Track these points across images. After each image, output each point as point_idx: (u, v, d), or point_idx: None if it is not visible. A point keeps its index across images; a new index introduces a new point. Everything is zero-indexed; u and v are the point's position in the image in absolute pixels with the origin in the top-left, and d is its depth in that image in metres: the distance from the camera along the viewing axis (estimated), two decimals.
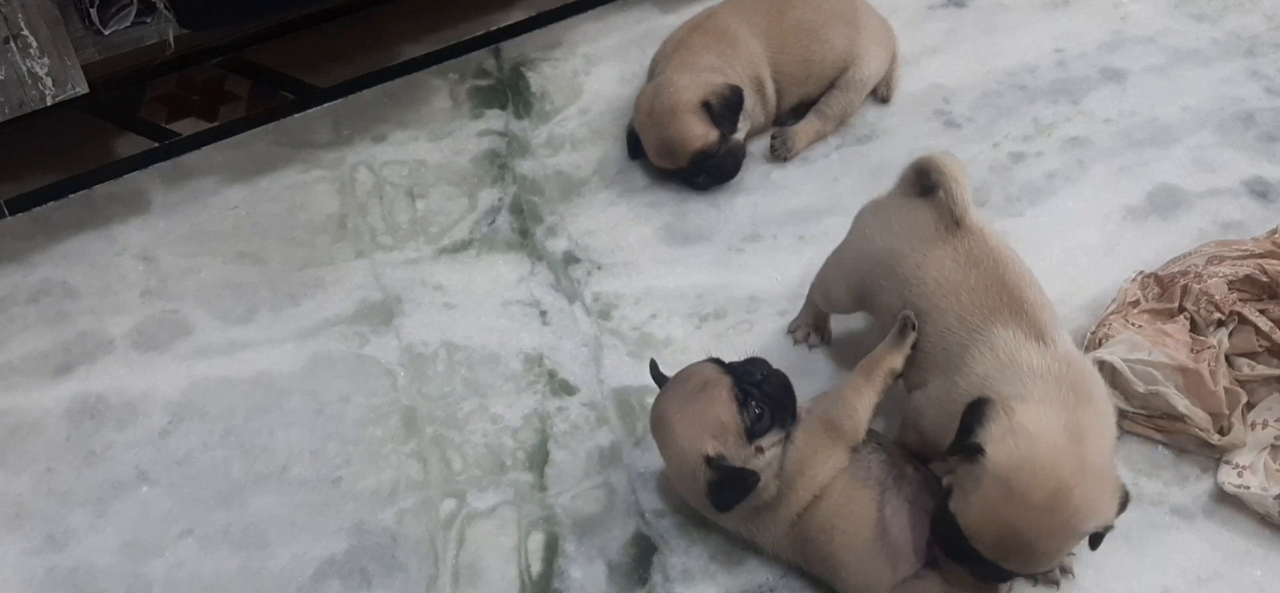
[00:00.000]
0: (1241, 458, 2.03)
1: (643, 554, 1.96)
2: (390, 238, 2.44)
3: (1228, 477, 2.01)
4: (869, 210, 2.03)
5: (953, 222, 1.85)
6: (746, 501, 1.79)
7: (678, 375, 1.89)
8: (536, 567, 1.96)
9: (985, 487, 1.60)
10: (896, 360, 1.83)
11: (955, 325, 1.79)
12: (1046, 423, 1.61)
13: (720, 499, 1.79)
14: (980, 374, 1.72)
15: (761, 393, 1.82)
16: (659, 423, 1.87)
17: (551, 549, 1.98)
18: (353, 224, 2.47)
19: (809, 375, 2.13)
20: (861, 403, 1.81)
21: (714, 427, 1.80)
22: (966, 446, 1.62)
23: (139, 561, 1.97)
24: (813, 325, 2.22)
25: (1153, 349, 2.06)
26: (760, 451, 1.80)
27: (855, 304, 2.05)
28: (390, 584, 1.94)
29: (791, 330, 2.24)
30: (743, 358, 1.89)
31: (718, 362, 1.88)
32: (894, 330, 1.84)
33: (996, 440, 1.60)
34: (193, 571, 1.96)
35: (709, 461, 1.79)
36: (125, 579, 1.95)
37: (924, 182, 1.91)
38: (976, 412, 1.63)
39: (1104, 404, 1.71)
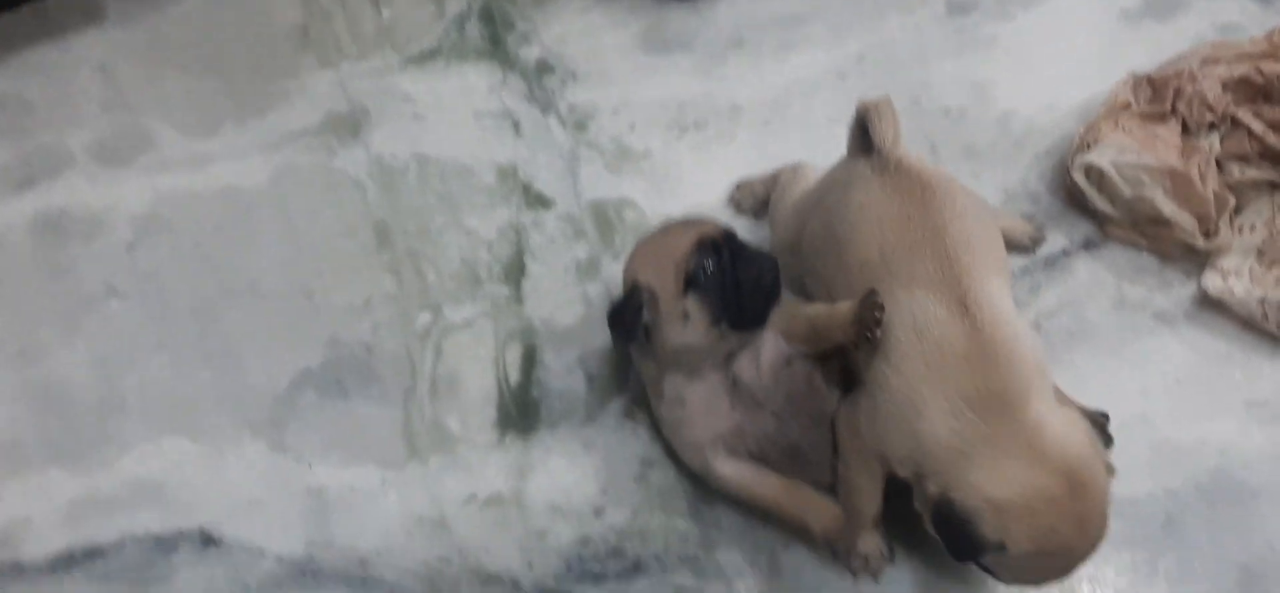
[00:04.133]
0: (1227, 262, 2.01)
1: (622, 365, 1.95)
2: (355, 47, 2.34)
3: (1212, 281, 1.99)
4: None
5: (882, 158, 1.72)
6: (636, 341, 1.73)
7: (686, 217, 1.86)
8: (515, 377, 1.95)
9: (1024, 559, 1.51)
10: (813, 535, 1.71)
11: (876, 259, 1.64)
12: (1020, 477, 1.48)
13: (609, 316, 1.76)
14: (889, 326, 1.58)
15: (728, 270, 1.71)
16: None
17: (530, 361, 1.97)
18: (316, 33, 2.36)
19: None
20: (758, 506, 1.74)
21: (661, 261, 1.73)
22: (981, 562, 1.53)
23: (112, 374, 1.96)
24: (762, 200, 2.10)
25: (1141, 152, 2.01)
26: (687, 315, 1.70)
27: (790, 251, 1.88)
28: (367, 395, 1.93)
29: (736, 196, 2.13)
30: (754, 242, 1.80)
31: (726, 228, 1.79)
32: (834, 539, 1.71)
33: (1009, 535, 1.48)
34: (168, 382, 1.95)
35: (635, 287, 1.73)
36: (99, 392, 1.94)
37: (866, 134, 1.76)
38: (959, 524, 1.50)
39: (1026, 359, 1.57)
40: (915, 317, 1.57)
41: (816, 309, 1.71)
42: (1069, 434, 1.52)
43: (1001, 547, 1.48)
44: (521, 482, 1.86)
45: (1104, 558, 1.73)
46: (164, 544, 1.83)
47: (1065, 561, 1.53)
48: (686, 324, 1.69)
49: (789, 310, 1.76)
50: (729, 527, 1.80)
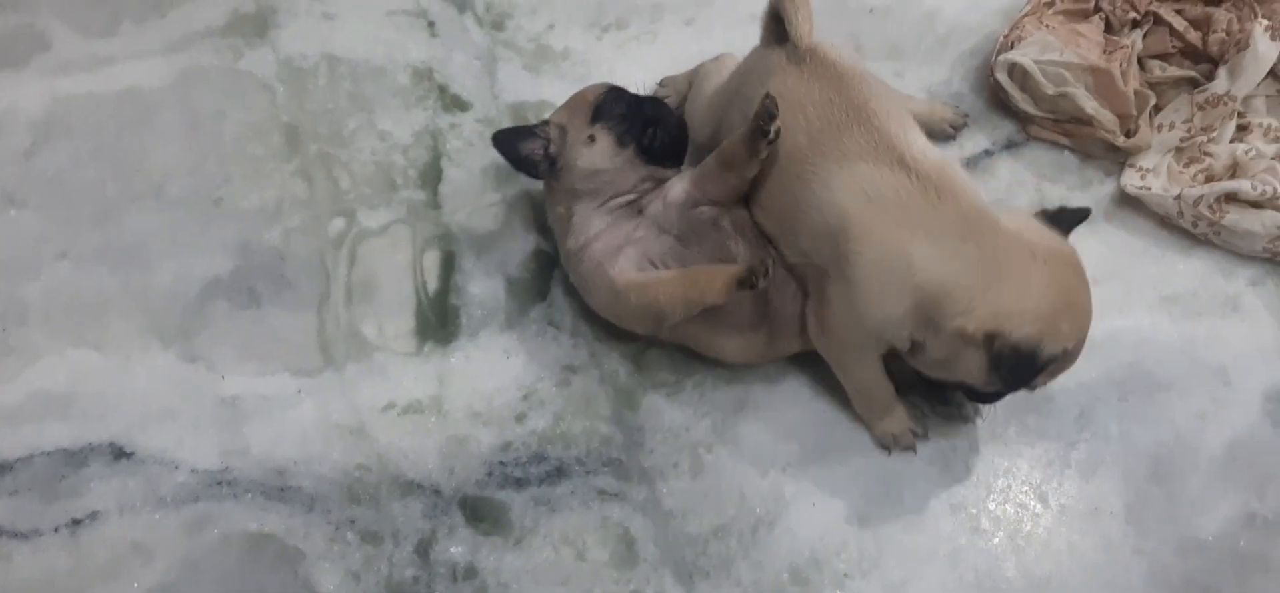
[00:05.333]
0: (1145, 161, 2.02)
1: (542, 269, 1.92)
2: None
3: (1131, 179, 2.00)
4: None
5: (797, 48, 1.73)
6: (527, 163, 1.81)
7: None
8: (433, 284, 1.91)
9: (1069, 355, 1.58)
10: (719, 300, 1.66)
11: (805, 143, 1.67)
12: (1044, 280, 1.55)
13: (494, 136, 1.82)
14: (839, 205, 1.61)
15: (634, 106, 1.82)
16: None
17: (448, 267, 1.93)
18: None
19: None
20: (667, 309, 1.70)
21: (573, 103, 1.84)
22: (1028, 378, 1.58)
23: (13, 283, 1.89)
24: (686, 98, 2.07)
25: (1064, 50, 2.00)
26: (593, 139, 1.78)
27: (710, 145, 1.87)
28: (280, 302, 1.89)
29: (659, 95, 2.09)
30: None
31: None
32: (734, 275, 1.66)
33: (1062, 337, 1.55)
34: (72, 291, 1.89)
35: (543, 123, 1.84)
36: (0, 302, 1.87)
37: (779, 24, 1.77)
38: (1025, 356, 1.54)
39: (971, 185, 1.65)
40: (862, 187, 1.60)
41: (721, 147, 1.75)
42: (1036, 226, 1.63)
43: (1064, 352, 1.56)
44: (441, 388, 1.83)
45: (1017, 452, 1.77)
46: (74, 458, 1.77)
47: (1083, 342, 1.60)
48: (593, 147, 1.78)
49: (700, 168, 1.81)
50: (652, 430, 1.80)
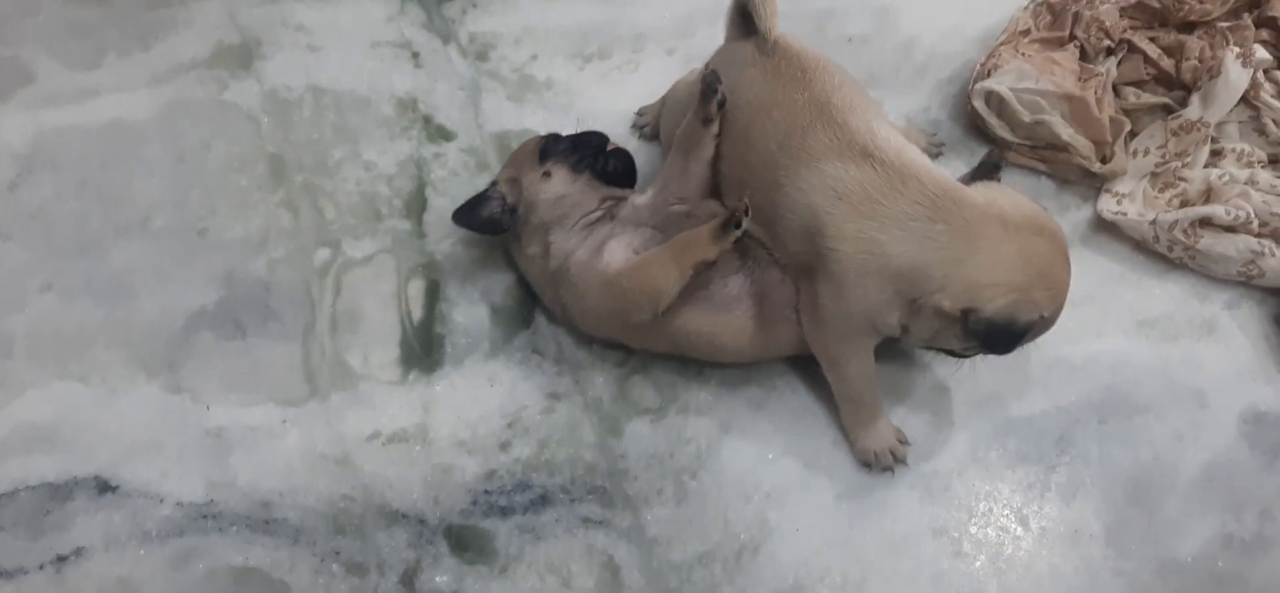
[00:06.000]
0: (1121, 186, 2.05)
1: (526, 296, 1.93)
2: None
3: (1107, 204, 2.03)
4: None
5: (763, 43, 1.77)
6: (491, 223, 1.87)
7: None
8: (418, 313, 1.92)
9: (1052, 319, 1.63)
10: (711, 253, 1.71)
11: (775, 149, 1.70)
12: (1015, 250, 1.58)
13: (454, 214, 1.87)
14: (811, 206, 1.65)
15: (578, 141, 1.90)
16: None
17: (432, 295, 1.94)
18: None
19: None
20: (663, 282, 1.72)
21: (516, 159, 1.91)
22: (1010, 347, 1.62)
23: None
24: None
25: (1040, 78, 2.03)
26: (548, 174, 1.84)
27: None
28: (266, 332, 1.89)
29: (639, 123, 2.13)
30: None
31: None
32: (718, 221, 1.71)
33: (1039, 305, 1.59)
34: (56, 323, 1.89)
35: (492, 184, 1.89)
36: None
37: (745, 18, 1.82)
38: (1000, 326, 1.58)
39: (934, 167, 1.69)
40: (830, 186, 1.64)
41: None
42: (1009, 196, 1.66)
43: (1041, 319, 1.60)
44: (426, 417, 1.84)
45: (998, 476, 1.78)
46: (59, 492, 1.77)
47: (1061, 306, 1.65)
48: (550, 181, 1.85)
49: (663, 168, 1.89)
50: (636, 457, 1.81)
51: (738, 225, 1.66)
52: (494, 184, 1.89)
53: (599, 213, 1.83)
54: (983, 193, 1.65)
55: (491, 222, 1.87)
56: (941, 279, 1.57)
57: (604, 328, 1.84)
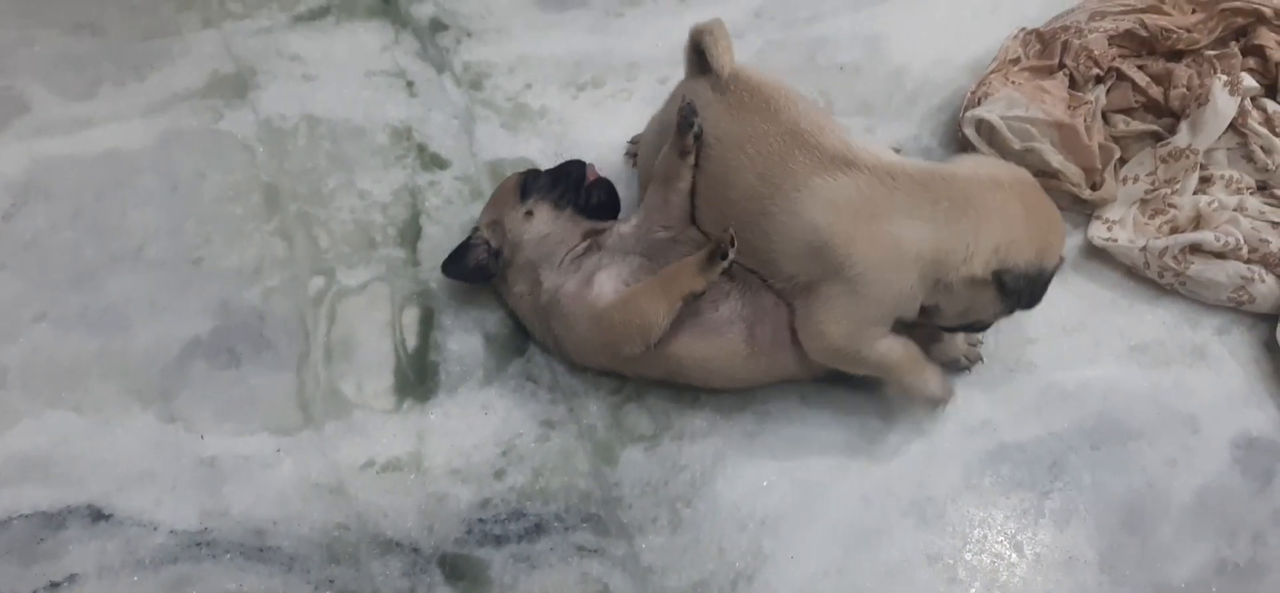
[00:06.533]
0: (1111, 213, 2.06)
1: (520, 325, 1.93)
2: (239, 5, 2.27)
3: (1097, 231, 2.04)
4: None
5: (717, 80, 1.79)
6: (479, 271, 1.89)
7: None
8: (412, 341, 1.93)
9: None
10: (699, 284, 1.72)
11: (756, 182, 1.73)
12: (1019, 205, 1.66)
13: (443, 266, 1.89)
14: (812, 223, 1.67)
15: (557, 174, 1.92)
16: None
17: (427, 323, 1.95)
18: None
19: None
20: (653, 315, 1.73)
21: (495, 203, 1.93)
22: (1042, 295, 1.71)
23: None
24: None
25: (1030, 106, 2.05)
26: (531, 213, 1.87)
27: None
28: (260, 362, 1.89)
29: (632, 151, 2.14)
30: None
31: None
32: (705, 253, 1.72)
33: (1056, 251, 1.68)
34: (50, 353, 1.89)
35: (474, 231, 1.91)
36: None
37: (700, 56, 1.82)
38: (1031, 279, 1.67)
39: (904, 159, 1.74)
40: (825, 200, 1.67)
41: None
42: (984, 161, 1.78)
43: (1060, 261, 1.71)
44: (420, 445, 1.84)
45: (992, 502, 1.79)
46: (52, 521, 1.77)
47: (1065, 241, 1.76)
48: (533, 220, 1.87)
49: (645, 200, 1.90)
50: (630, 485, 1.80)
51: (724, 256, 1.68)
52: (476, 230, 1.91)
53: (584, 245, 1.84)
54: (962, 165, 1.73)
55: (480, 269, 1.89)
56: (965, 251, 1.63)
57: (596, 359, 1.84)
